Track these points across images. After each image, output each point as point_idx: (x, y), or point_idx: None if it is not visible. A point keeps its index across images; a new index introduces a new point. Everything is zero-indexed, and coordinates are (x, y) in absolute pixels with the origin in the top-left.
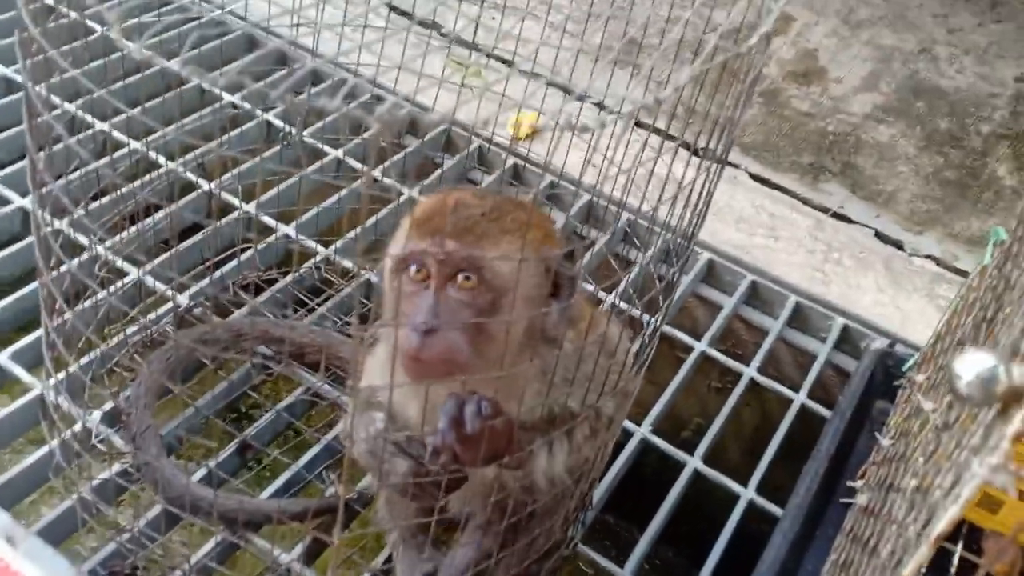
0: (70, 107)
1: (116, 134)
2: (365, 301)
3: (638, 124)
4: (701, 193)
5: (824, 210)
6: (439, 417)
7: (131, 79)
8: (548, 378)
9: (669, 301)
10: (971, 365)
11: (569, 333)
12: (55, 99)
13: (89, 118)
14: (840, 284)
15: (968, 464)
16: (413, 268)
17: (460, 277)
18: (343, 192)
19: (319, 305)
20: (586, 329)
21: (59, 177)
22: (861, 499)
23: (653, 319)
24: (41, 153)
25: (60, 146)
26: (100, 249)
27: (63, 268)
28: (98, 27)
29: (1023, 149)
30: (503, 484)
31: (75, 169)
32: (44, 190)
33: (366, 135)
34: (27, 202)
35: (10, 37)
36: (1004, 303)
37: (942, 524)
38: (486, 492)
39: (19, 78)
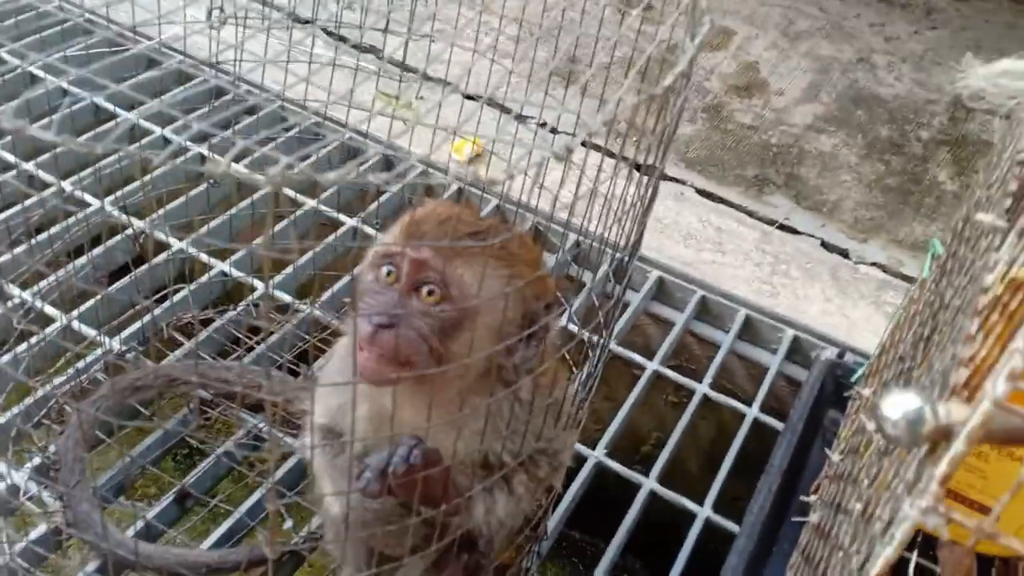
0: None
1: (41, 173)
2: (304, 336)
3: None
4: (643, 208)
5: (770, 222)
6: (373, 455)
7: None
8: (492, 420)
9: (614, 319)
10: (896, 406)
11: (524, 380)
12: None
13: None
14: (788, 295)
15: (900, 503)
16: (386, 268)
17: (425, 289)
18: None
19: (257, 344)
20: (545, 383)
21: None
22: (814, 517)
23: (600, 339)
24: None
25: None
26: (21, 296)
27: None
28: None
29: (962, 154)
30: (445, 526)
31: None
32: None
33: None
34: None
35: None
36: (939, 323)
37: (877, 566)
38: (426, 533)
39: None
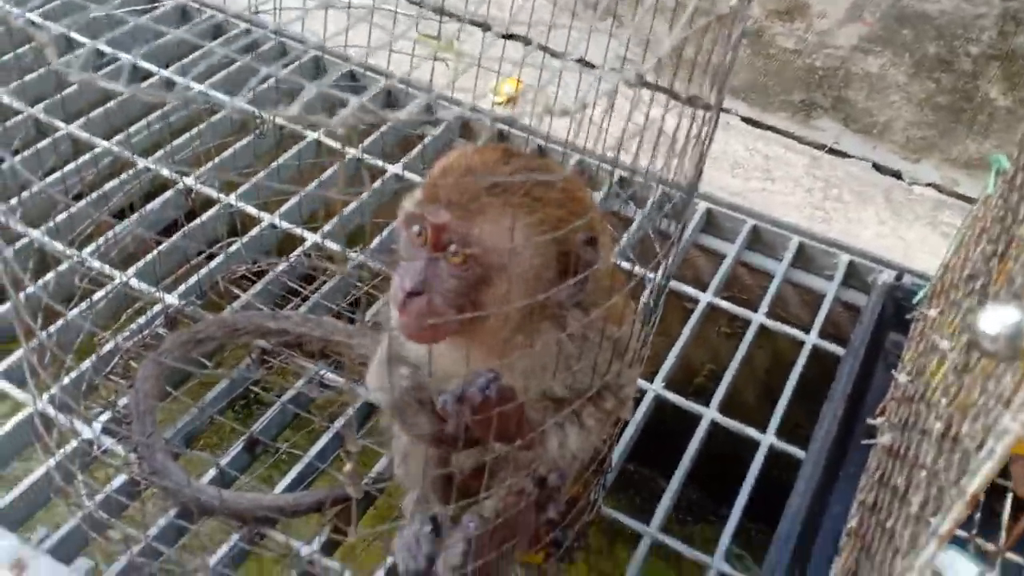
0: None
1: (81, 134)
2: (358, 284)
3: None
4: (702, 144)
5: (819, 147)
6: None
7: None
8: (542, 359)
9: (672, 258)
10: (995, 321)
11: (579, 314)
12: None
13: (54, 121)
14: (841, 220)
15: (999, 418)
16: (415, 228)
17: (451, 250)
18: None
19: (312, 293)
20: (610, 318)
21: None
22: (884, 439)
23: (659, 277)
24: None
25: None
26: (78, 257)
27: (30, 289)
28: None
29: (1014, 69)
30: (517, 461)
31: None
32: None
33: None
34: None
35: None
36: (1014, 237)
37: (978, 482)
38: (499, 467)
39: None
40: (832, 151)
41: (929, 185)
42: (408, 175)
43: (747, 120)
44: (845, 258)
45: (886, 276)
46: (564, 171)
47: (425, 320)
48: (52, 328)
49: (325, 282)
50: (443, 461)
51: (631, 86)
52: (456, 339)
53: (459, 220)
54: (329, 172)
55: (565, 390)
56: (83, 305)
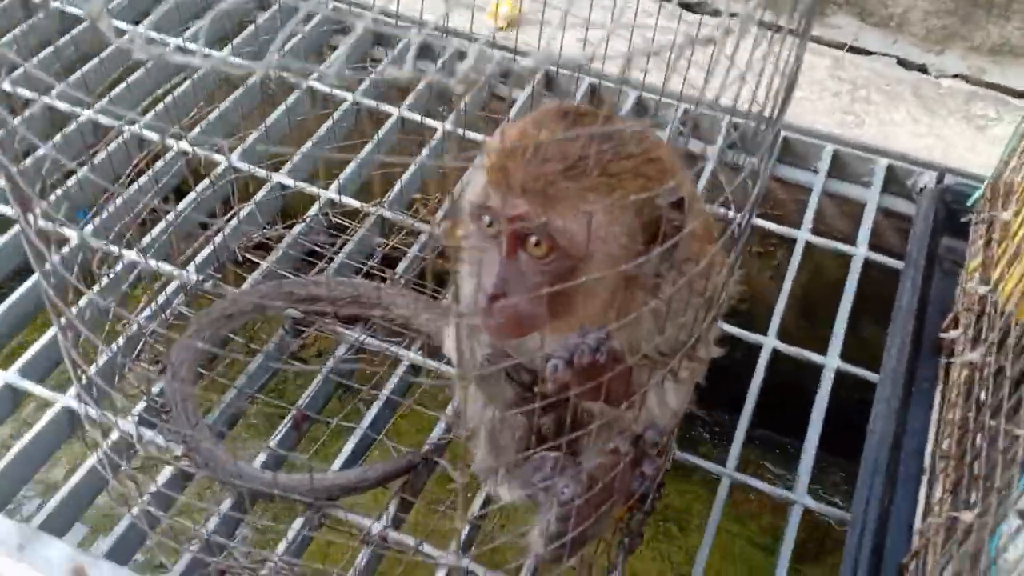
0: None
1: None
2: (383, 241)
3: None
4: (790, 73)
5: (839, 46)
6: (557, 347)
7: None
8: (642, 326)
9: (758, 196)
10: None
11: (674, 276)
12: None
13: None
14: (874, 123)
15: None
16: (486, 219)
17: (531, 241)
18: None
19: (336, 253)
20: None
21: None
22: (973, 356)
23: (743, 216)
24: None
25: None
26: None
27: (48, 266)
28: None
29: None
30: (612, 422)
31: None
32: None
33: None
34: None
35: None
36: None
37: None
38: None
39: None
40: (852, 49)
41: (957, 77)
42: (411, 116)
43: (760, 23)
44: (883, 163)
45: (927, 178)
46: (633, 126)
47: (513, 322)
48: (73, 310)
49: (347, 242)
50: (531, 431)
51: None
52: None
53: (537, 210)
54: (328, 124)
55: (656, 351)
56: (95, 288)
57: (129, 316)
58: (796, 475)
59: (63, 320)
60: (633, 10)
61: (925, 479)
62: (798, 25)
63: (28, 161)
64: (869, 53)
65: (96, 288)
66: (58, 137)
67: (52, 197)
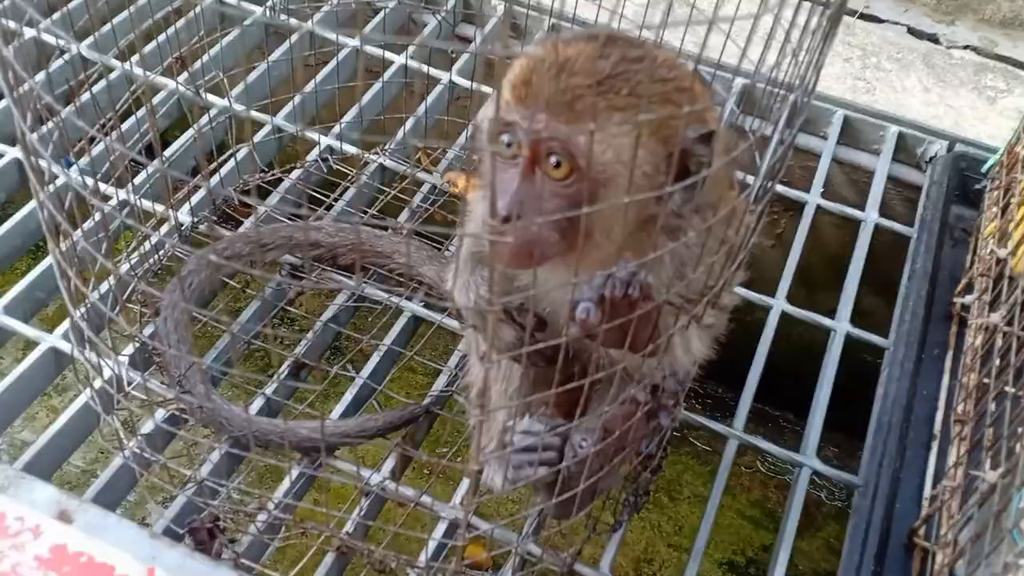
0: None
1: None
2: (382, 188)
3: None
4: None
5: (850, 13)
6: (581, 288)
7: None
8: (662, 269)
9: (783, 164)
10: None
11: (697, 221)
12: None
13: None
14: (885, 89)
15: None
16: (505, 138)
17: (551, 161)
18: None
19: (336, 200)
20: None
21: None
22: (994, 317)
23: (767, 183)
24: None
25: None
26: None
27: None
28: None
29: None
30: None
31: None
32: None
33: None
34: None
35: None
36: None
37: None
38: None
39: None
40: (863, 16)
41: (967, 48)
42: (414, 65)
43: None
44: (894, 130)
45: (937, 147)
46: (667, 55)
47: (525, 246)
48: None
49: (347, 188)
50: (543, 379)
51: None
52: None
53: (560, 126)
54: (329, 67)
55: (679, 296)
56: (87, 225)
57: (144, 229)
58: (801, 440)
59: (63, 245)
60: None
61: (936, 445)
62: None
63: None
64: (880, 21)
65: (90, 222)
66: (42, 75)
67: (43, 129)
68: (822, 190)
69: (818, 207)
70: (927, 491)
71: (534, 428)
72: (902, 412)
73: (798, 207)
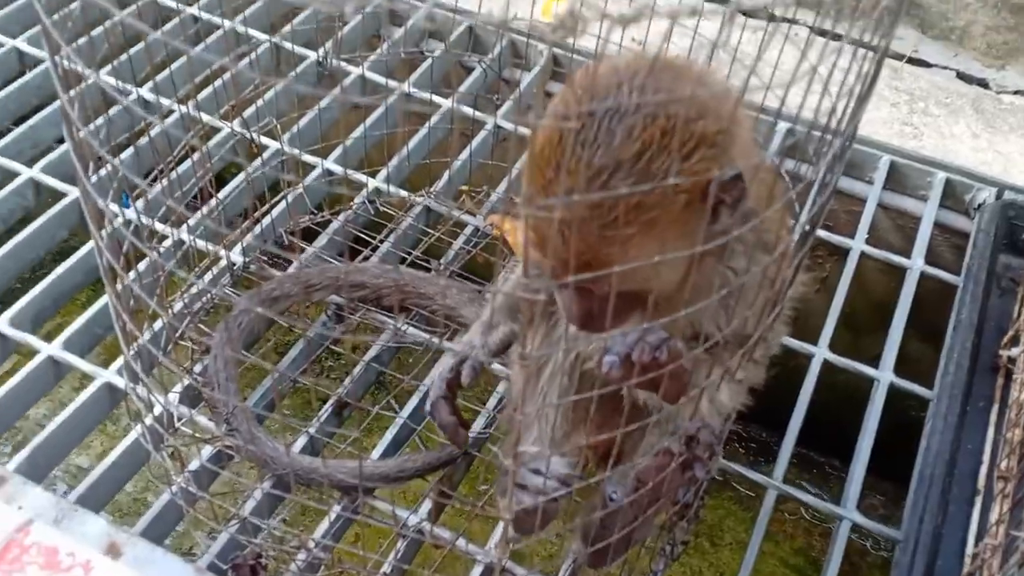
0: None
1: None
2: (426, 230)
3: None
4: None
5: (898, 57)
6: (614, 340)
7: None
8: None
9: (825, 208)
10: None
11: (742, 249)
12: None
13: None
14: (933, 135)
15: None
16: (536, 271)
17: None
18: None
19: (381, 242)
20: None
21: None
22: None
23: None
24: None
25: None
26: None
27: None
28: None
29: None
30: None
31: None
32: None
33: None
34: (35, 172)
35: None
36: None
37: None
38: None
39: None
40: (911, 61)
41: (1018, 93)
42: (465, 109)
43: (817, 31)
44: (941, 176)
45: (986, 194)
46: (706, 95)
47: (594, 324)
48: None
49: (393, 230)
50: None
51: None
52: None
53: (588, 279)
54: (378, 112)
55: (717, 330)
56: (142, 265)
57: (191, 277)
58: (840, 494)
59: (118, 286)
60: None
61: (979, 500)
62: (877, 35)
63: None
64: (929, 65)
65: (146, 263)
66: (111, 112)
67: (102, 171)
68: (867, 235)
69: (862, 253)
70: (970, 547)
71: (554, 469)
72: (945, 466)
73: (843, 252)
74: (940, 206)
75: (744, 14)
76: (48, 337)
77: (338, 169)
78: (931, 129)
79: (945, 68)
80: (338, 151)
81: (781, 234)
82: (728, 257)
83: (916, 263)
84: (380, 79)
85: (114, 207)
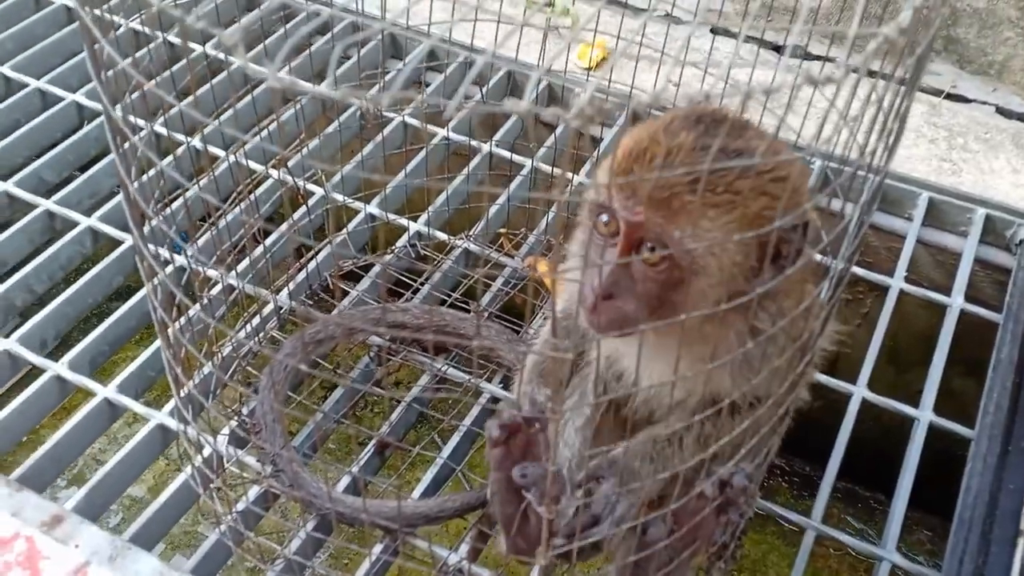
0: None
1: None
2: (467, 272)
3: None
4: (897, 123)
5: (936, 93)
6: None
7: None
8: (725, 358)
9: (858, 246)
10: None
11: (769, 306)
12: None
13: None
14: (972, 171)
15: None
16: (604, 217)
17: (646, 247)
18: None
19: (422, 284)
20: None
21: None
22: None
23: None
24: (133, 173)
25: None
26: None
27: (158, 279)
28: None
29: None
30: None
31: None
32: (148, 219)
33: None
34: (93, 221)
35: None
36: None
37: None
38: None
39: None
40: (950, 96)
41: None
42: (499, 151)
43: (853, 69)
44: (981, 212)
45: None
46: (767, 143)
47: (617, 321)
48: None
49: (433, 273)
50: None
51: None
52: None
53: (657, 219)
54: (420, 157)
55: (739, 393)
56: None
57: (230, 332)
58: (883, 529)
59: (170, 333)
60: (720, 51)
61: (1022, 541)
62: (907, 72)
63: (141, 180)
64: (967, 100)
65: (197, 307)
66: (166, 161)
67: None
68: (907, 272)
69: (901, 291)
70: None
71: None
72: (985, 507)
73: (883, 289)
74: (980, 242)
75: (776, 50)
76: (102, 374)
77: (381, 214)
78: (970, 165)
79: (984, 103)
80: (380, 196)
81: (805, 287)
82: (752, 316)
83: (956, 301)
84: (419, 125)
85: (164, 253)
